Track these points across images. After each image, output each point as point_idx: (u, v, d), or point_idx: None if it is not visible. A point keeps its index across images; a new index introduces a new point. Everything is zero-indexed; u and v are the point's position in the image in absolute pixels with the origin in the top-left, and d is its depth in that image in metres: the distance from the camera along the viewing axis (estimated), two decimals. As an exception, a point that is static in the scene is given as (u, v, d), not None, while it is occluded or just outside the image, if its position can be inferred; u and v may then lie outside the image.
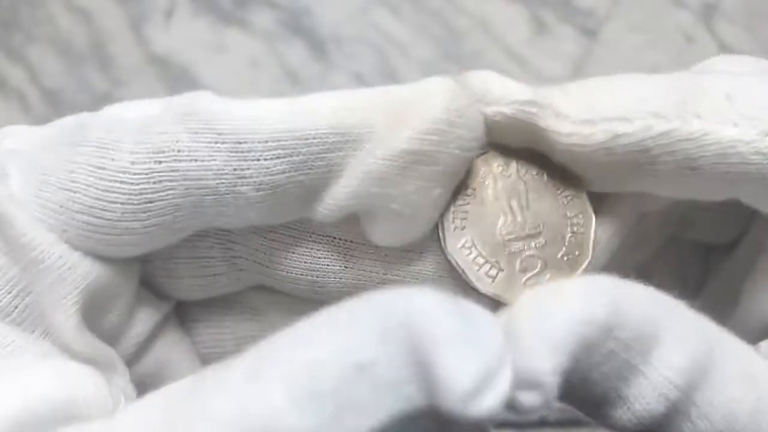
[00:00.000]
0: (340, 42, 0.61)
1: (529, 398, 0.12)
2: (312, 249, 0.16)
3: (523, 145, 0.15)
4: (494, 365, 0.11)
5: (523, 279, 0.15)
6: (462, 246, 0.15)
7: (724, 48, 0.60)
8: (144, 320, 0.17)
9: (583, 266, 0.15)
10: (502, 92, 0.15)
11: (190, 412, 0.12)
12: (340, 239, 0.16)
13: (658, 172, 0.14)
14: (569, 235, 0.15)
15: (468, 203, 0.15)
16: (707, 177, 0.14)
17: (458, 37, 0.61)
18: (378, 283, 0.16)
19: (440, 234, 0.15)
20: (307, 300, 0.17)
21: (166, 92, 0.59)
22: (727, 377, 0.13)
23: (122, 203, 0.14)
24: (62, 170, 0.14)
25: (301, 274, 0.16)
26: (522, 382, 0.12)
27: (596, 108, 0.14)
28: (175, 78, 0.60)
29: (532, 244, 0.15)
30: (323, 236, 0.16)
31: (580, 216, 0.15)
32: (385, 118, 0.14)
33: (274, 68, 0.60)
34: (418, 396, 0.11)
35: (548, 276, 0.15)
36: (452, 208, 0.15)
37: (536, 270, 0.15)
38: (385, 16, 0.62)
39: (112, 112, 0.15)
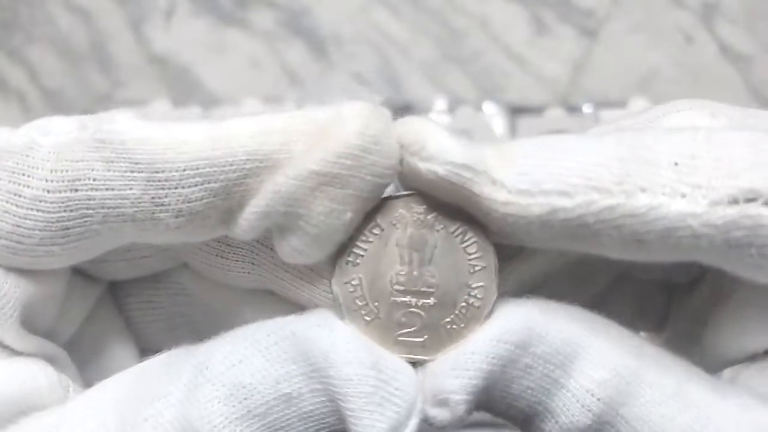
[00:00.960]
0: (340, 42, 0.61)
1: (438, 415, 0.14)
2: (221, 245, 0.16)
3: (453, 203, 0.14)
4: (401, 420, 0.13)
5: (397, 333, 0.15)
6: (348, 281, 0.15)
7: (724, 48, 0.60)
8: (77, 310, 0.17)
9: (464, 340, 0.14)
10: (438, 150, 0.14)
11: (137, 414, 0.13)
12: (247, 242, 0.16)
13: (601, 243, 0.13)
14: (462, 305, 0.14)
15: (371, 241, 0.15)
16: (655, 248, 0.13)
17: (458, 37, 0.61)
18: (281, 284, 0.16)
19: (331, 263, 0.15)
20: (228, 285, 0.17)
21: (166, 92, 0.59)
22: (660, 395, 0.14)
23: (40, 230, 0.14)
24: None
25: (212, 265, 0.16)
26: (432, 401, 0.14)
27: (535, 177, 0.13)
28: (175, 78, 0.60)
29: (420, 302, 0.15)
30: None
31: (482, 289, 0.14)
32: (304, 142, 0.14)
33: (274, 68, 0.60)
34: (339, 425, 0.14)
35: (425, 338, 0.15)
36: (354, 242, 0.15)
37: (414, 328, 0.15)
38: (385, 16, 0.62)
39: (29, 134, 0.14)
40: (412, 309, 0.15)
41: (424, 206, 0.15)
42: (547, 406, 0.14)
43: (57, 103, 0.59)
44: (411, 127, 0.14)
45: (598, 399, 0.14)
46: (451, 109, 0.57)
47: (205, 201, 0.14)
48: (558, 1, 0.62)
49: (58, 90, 0.59)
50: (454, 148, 0.14)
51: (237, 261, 0.16)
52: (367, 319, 0.15)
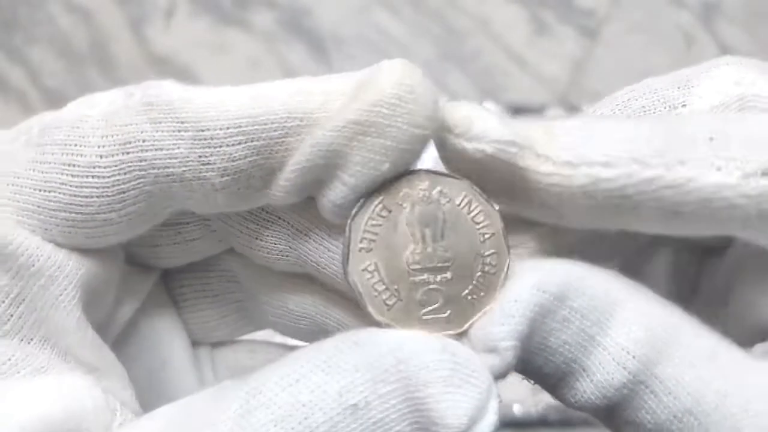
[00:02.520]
0: (340, 42, 0.61)
1: (488, 362, 0.14)
2: (260, 226, 0.16)
3: (498, 183, 0.15)
4: (483, 402, 0.13)
5: (421, 312, 0.15)
6: (364, 269, 0.15)
7: (724, 48, 0.60)
8: (130, 301, 0.17)
9: (486, 309, 0.14)
10: (483, 130, 0.14)
11: None
12: (285, 222, 0.16)
13: (640, 215, 0.14)
14: (479, 274, 0.15)
15: (380, 225, 0.15)
16: (692, 220, 0.14)
17: (458, 37, 0.61)
18: (317, 268, 0.16)
19: (344, 252, 0.15)
20: (271, 269, 0.17)
21: (166, 92, 0.59)
22: (694, 357, 0.14)
23: (97, 196, 0.14)
24: (34, 171, 0.14)
25: (253, 248, 0.17)
26: (479, 347, 0.14)
27: (578, 150, 0.14)
28: (175, 78, 0.60)
29: (438, 278, 0.15)
30: (271, 215, 0.16)
31: (495, 256, 0.15)
32: (342, 102, 0.14)
33: (274, 68, 0.60)
34: (410, 431, 0.13)
35: (448, 312, 0.15)
36: (363, 228, 0.15)
37: (436, 305, 0.15)
38: (385, 16, 0.62)
39: (76, 110, 0.15)
40: (431, 286, 0.15)
41: (427, 182, 0.15)
42: (582, 364, 0.14)
43: (57, 103, 0.59)
44: (455, 110, 0.15)
45: (634, 357, 0.14)
46: (451, 109, 0.57)
47: (248, 159, 0.14)
48: (558, 1, 0.62)
49: (58, 90, 0.59)
50: (500, 127, 0.14)
51: (275, 243, 0.16)
52: (389, 303, 0.15)
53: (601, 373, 0.14)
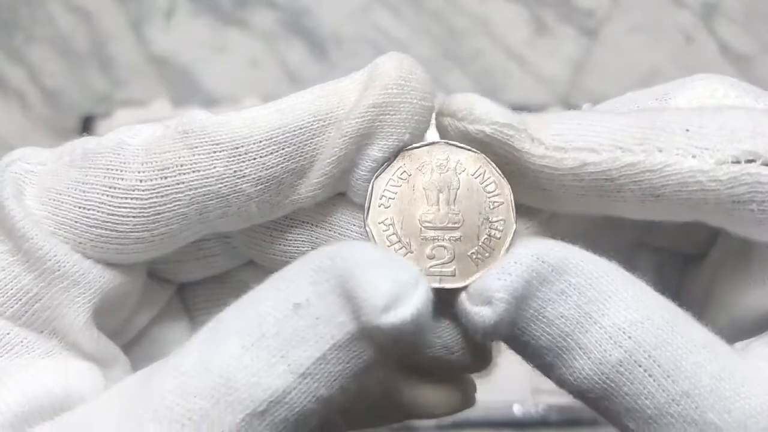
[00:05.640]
0: (340, 42, 0.61)
1: (481, 311, 0.15)
2: (284, 233, 0.18)
3: (495, 160, 0.17)
4: (408, 285, 0.14)
5: (428, 265, 0.16)
6: (381, 222, 0.17)
7: (724, 48, 0.60)
8: (147, 311, 0.19)
9: (488, 267, 0.16)
10: (485, 113, 0.16)
11: (161, 370, 0.14)
12: (308, 224, 0.18)
13: (623, 198, 0.16)
14: (485, 237, 0.16)
15: (400, 186, 0.17)
16: (670, 203, 0.16)
17: (458, 37, 0.61)
18: None
19: (366, 206, 0.17)
20: None
21: (166, 92, 0.59)
22: (691, 344, 0.15)
23: (134, 216, 0.16)
24: (75, 190, 0.16)
25: (275, 256, 0.18)
26: (475, 299, 0.15)
27: (567, 137, 0.16)
28: (175, 78, 0.60)
29: (447, 236, 0.16)
30: (295, 220, 0.18)
31: (502, 222, 0.16)
32: (354, 98, 0.16)
33: (274, 68, 0.60)
34: (349, 322, 0.14)
35: (453, 268, 0.16)
36: (384, 186, 0.17)
37: (443, 260, 0.16)
38: (385, 16, 0.62)
39: (118, 137, 0.16)
40: (440, 243, 0.16)
41: (446, 153, 0.17)
42: (578, 341, 0.15)
43: (57, 103, 0.59)
44: (458, 98, 0.17)
45: (630, 337, 0.15)
46: (451, 109, 0.57)
47: (280, 166, 0.16)
48: (558, 1, 0.62)
49: (58, 90, 0.59)
50: (499, 111, 0.16)
51: (298, 246, 0.18)
52: (401, 253, 0.16)
53: (597, 350, 0.15)
